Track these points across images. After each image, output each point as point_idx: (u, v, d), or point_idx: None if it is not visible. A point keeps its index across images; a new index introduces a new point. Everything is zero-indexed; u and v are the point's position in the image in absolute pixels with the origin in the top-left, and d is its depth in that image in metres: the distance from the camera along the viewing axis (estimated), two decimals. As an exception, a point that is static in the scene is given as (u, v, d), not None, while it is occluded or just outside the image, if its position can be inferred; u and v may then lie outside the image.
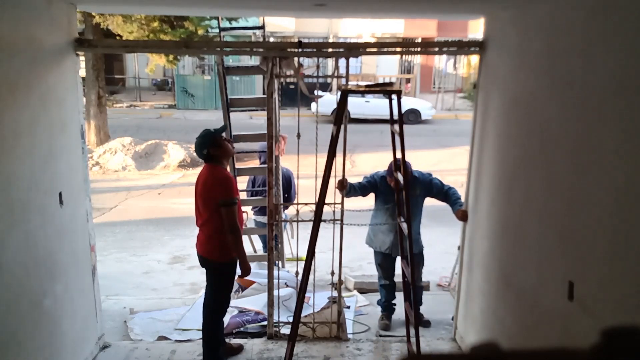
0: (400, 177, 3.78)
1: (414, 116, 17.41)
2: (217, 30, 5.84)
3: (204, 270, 6.27)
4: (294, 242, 5.82)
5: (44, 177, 3.36)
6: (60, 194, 3.54)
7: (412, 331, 3.88)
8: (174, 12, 7.97)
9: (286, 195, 5.65)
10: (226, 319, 4.75)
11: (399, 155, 3.69)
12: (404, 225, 3.83)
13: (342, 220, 4.27)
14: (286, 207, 5.59)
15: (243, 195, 5.76)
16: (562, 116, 2.80)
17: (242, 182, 5.81)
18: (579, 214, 2.60)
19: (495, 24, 3.90)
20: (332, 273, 4.48)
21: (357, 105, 16.02)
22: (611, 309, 2.33)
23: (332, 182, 3.70)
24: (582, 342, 0.44)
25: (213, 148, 3.74)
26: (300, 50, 4.09)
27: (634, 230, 2.17)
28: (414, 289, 3.83)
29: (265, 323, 4.59)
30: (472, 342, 4.15)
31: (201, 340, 4.51)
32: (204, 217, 3.76)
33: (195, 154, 9.40)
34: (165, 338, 4.58)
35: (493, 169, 3.85)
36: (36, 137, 3.25)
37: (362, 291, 5.64)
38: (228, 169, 3.94)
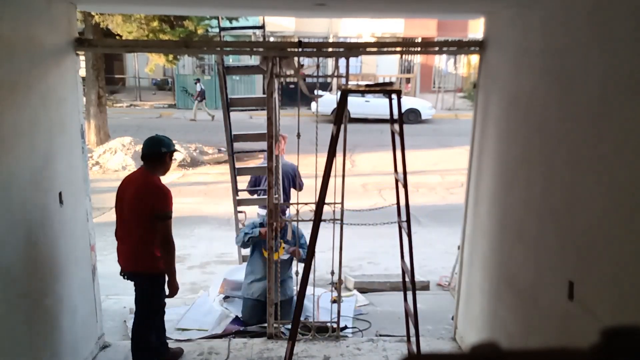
0: (400, 176, 3.78)
1: (414, 116, 17.41)
2: (217, 30, 5.84)
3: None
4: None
5: (44, 177, 3.36)
6: (60, 194, 3.54)
7: (412, 331, 3.88)
8: (173, 11, 7.97)
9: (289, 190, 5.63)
10: (223, 325, 4.75)
11: (399, 155, 3.69)
12: (404, 225, 3.83)
13: (342, 220, 4.27)
14: (287, 207, 5.57)
15: (244, 195, 5.76)
16: (561, 116, 2.80)
17: (243, 182, 5.81)
18: (579, 214, 2.60)
19: (495, 23, 3.90)
20: (332, 273, 4.48)
21: (357, 105, 16.01)
22: (611, 309, 2.33)
23: (332, 182, 3.70)
24: (582, 342, 0.44)
25: (170, 156, 3.69)
26: (300, 50, 4.09)
27: (634, 230, 2.17)
28: (414, 288, 3.82)
29: (265, 324, 4.59)
30: (472, 341, 4.14)
31: (201, 340, 4.51)
32: (131, 226, 3.55)
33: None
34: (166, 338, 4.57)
35: (493, 168, 3.85)
36: (36, 137, 3.25)
37: (362, 291, 5.64)
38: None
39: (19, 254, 3.04)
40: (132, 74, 23.76)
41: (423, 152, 12.61)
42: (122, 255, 3.69)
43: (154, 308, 3.82)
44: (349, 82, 4.22)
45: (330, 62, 5.22)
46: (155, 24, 10.04)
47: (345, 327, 4.72)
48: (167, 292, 3.77)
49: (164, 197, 3.51)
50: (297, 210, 4.41)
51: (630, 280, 2.20)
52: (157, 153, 3.61)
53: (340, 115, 3.42)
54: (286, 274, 4.85)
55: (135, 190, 3.52)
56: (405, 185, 3.65)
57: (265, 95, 4.48)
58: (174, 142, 3.85)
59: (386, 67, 23.31)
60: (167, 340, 4.51)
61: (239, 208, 5.63)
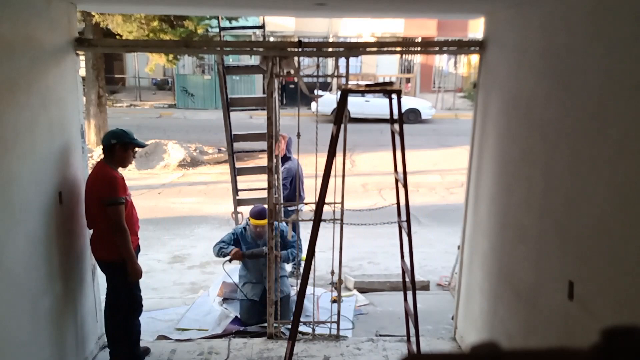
0: (400, 175, 3.78)
1: (414, 116, 17.41)
2: (217, 30, 5.84)
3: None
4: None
5: (44, 177, 3.36)
6: (60, 194, 3.55)
7: (412, 331, 3.88)
8: (173, 11, 7.96)
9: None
10: (223, 325, 4.75)
11: (399, 154, 3.69)
12: (404, 225, 3.83)
13: (342, 219, 4.28)
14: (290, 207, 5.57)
15: (244, 195, 5.76)
16: (562, 115, 2.80)
17: (243, 182, 5.81)
18: (579, 214, 2.60)
19: (495, 23, 3.90)
20: (332, 272, 4.48)
21: (357, 105, 16.01)
22: (611, 309, 2.33)
23: (332, 182, 3.70)
24: (582, 342, 0.44)
25: (122, 147, 3.74)
26: (300, 49, 4.09)
27: (634, 230, 2.17)
28: (414, 288, 3.82)
29: (265, 323, 4.59)
30: (472, 341, 4.14)
31: (201, 340, 4.51)
32: (89, 215, 3.73)
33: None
34: (165, 337, 4.58)
35: (493, 168, 3.85)
36: (36, 137, 3.25)
37: (362, 290, 5.64)
38: (120, 171, 3.81)
39: (19, 253, 3.04)
40: (132, 74, 23.75)
41: (423, 152, 12.61)
42: (91, 244, 3.85)
43: (123, 301, 3.85)
44: (349, 82, 4.22)
45: (330, 62, 5.22)
46: (155, 23, 10.03)
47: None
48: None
49: (108, 183, 3.61)
50: (297, 210, 4.42)
51: (630, 280, 2.20)
52: (106, 145, 3.75)
53: (340, 115, 3.43)
54: (278, 273, 4.85)
55: (88, 181, 3.76)
56: (405, 185, 3.65)
57: (265, 95, 4.48)
58: (134, 135, 3.90)
59: (386, 67, 23.31)
60: (166, 341, 4.51)
61: (238, 209, 5.64)
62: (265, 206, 4.60)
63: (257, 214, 4.78)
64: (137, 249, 3.94)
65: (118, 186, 3.64)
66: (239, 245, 4.89)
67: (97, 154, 11.66)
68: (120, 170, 3.83)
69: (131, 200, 3.85)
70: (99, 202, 3.61)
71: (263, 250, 4.68)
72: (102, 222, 3.65)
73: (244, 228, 4.98)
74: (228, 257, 4.82)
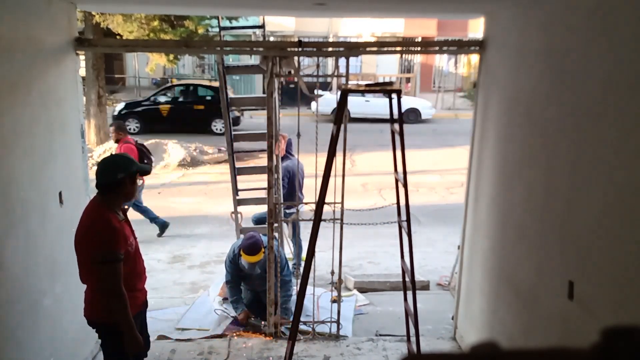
0: (400, 175, 3.78)
1: (414, 115, 17.40)
2: (217, 30, 5.84)
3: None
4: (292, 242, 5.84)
5: (44, 177, 3.36)
6: (60, 194, 3.55)
7: (412, 330, 3.88)
8: (174, 11, 7.96)
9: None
10: (223, 326, 4.75)
11: (399, 154, 3.69)
12: (404, 225, 3.83)
13: (342, 219, 4.27)
14: (289, 207, 5.57)
15: (244, 195, 5.76)
16: (562, 115, 2.80)
17: (243, 182, 5.81)
18: (579, 214, 2.60)
19: (495, 23, 3.90)
20: (332, 272, 4.48)
21: (357, 105, 16.01)
22: (611, 309, 2.33)
23: (332, 182, 3.70)
24: (582, 342, 0.44)
25: (131, 179, 2.88)
26: (300, 49, 4.09)
27: (634, 230, 2.17)
28: (414, 288, 3.82)
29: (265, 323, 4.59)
30: (472, 341, 4.14)
31: (201, 340, 4.51)
32: (80, 268, 2.90)
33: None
34: (165, 337, 4.57)
35: (493, 168, 3.85)
36: (36, 137, 3.25)
37: (362, 290, 5.64)
38: (120, 216, 2.94)
39: (19, 253, 3.04)
40: (132, 74, 23.74)
41: (423, 152, 12.60)
42: (84, 301, 3.01)
43: None
44: (349, 82, 4.22)
45: (330, 61, 5.22)
46: (155, 23, 10.04)
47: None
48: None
49: (105, 236, 2.74)
50: (297, 210, 4.41)
51: (630, 280, 2.20)
52: (113, 182, 2.82)
53: (340, 115, 3.42)
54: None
55: (80, 226, 2.88)
56: (405, 185, 3.65)
57: (265, 95, 4.48)
58: (133, 158, 3.20)
59: (386, 66, 23.30)
60: (166, 340, 4.51)
61: (238, 208, 5.63)
62: (257, 236, 4.49)
63: (249, 249, 4.43)
64: (144, 305, 3.17)
65: (118, 238, 2.78)
66: (240, 272, 4.72)
67: (97, 153, 11.67)
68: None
69: (136, 246, 3.04)
70: (87, 257, 2.81)
71: (262, 324, 4.64)
72: (92, 278, 2.86)
73: (238, 255, 4.65)
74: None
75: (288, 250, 6.01)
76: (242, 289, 4.88)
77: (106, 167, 2.88)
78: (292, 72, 4.40)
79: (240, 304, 4.77)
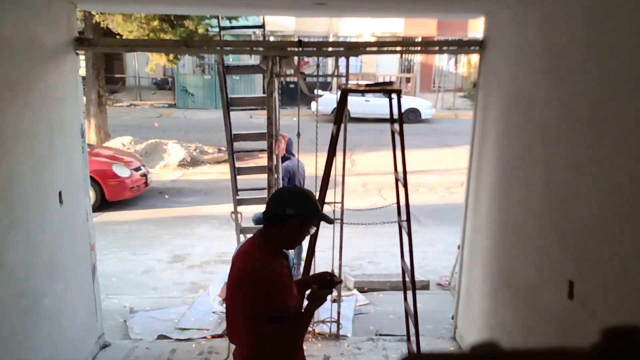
0: (400, 175, 3.78)
1: (414, 115, 17.40)
2: (217, 29, 5.83)
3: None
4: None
5: (44, 177, 3.36)
6: (60, 193, 3.54)
7: (412, 330, 3.88)
8: (174, 11, 7.96)
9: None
10: (223, 326, 4.75)
11: (399, 154, 3.69)
12: (404, 225, 3.83)
13: (342, 219, 4.27)
14: None
15: (244, 195, 5.76)
16: (561, 115, 2.80)
17: (243, 182, 5.80)
18: (579, 213, 2.60)
19: (495, 23, 3.90)
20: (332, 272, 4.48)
21: (357, 105, 16.00)
22: (611, 309, 2.33)
23: (333, 182, 3.70)
24: (582, 342, 0.44)
25: (300, 222, 2.21)
26: (300, 49, 4.09)
27: (634, 229, 2.17)
28: (414, 288, 3.83)
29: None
30: (472, 341, 4.14)
31: (201, 340, 4.51)
32: (235, 326, 2.23)
33: (192, 154, 9.17)
34: (165, 337, 4.58)
35: (493, 167, 3.85)
36: (36, 137, 3.25)
37: (362, 290, 5.64)
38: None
39: (19, 253, 3.04)
40: (132, 74, 23.75)
41: (423, 152, 12.60)
42: None
43: None
44: (349, 82, 4.22)
45: (330, 61, 5.22)
46: (155, 23, 10.03)
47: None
48: None
49: (274, 286, 2.08)
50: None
51: (630, 280, 2.20)
52: (278, 214, 2.22)
53: (340, 114, 3.43)
54: None
55: (238, 272, 2.18)
56: (405, 185, 3.65)
57: (265, 95, 4.48)
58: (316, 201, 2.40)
59: (386, 66, 23.30)
60: (166, 340, 4.51)
61: (238, 208, 5.62)
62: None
63: None
64: None
65: (288, 289, 2.14)
66: None
67: (97, 153, 11.68)
68: None
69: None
70: (253, 313, 2.07)
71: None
72: (251, 339, 2.13)
73: None
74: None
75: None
76: None
77: (278, 196, 2.35)
78: (302, 72, 4.38)
79: None
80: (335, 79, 4.28)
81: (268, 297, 2.04)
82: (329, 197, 3.66)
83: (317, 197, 3.56)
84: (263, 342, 2.06)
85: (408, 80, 23.00)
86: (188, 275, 6.19)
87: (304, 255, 5.09)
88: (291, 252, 5.32)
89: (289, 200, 2.22)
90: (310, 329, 4.57)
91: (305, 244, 4.88)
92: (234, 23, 10.80)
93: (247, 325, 2.11)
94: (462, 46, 4.84)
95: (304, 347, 2.51)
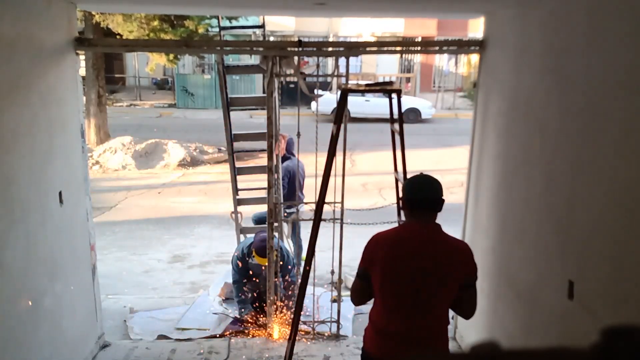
0: (400, 175, 3.78)
1: (414, 115, 17.40)
2: (217, 29, 5.84)
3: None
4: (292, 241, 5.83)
5: (44, 177, 3.36)
6: (60, 193, 3.54)
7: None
8: (174, 11, 7.96)
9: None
10: (223, 326, 4.75)
11: (399, 154, 3.69)
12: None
13: (342, 219, 4.28)
14: (289, 207, 5.56)
15: (244, 194, 5.76)
16: (562, 115, 2.80)
17: (243, 182, 5.81)
18: (579, 213, 2.60)
19: (495, 23, 3.90)
20: (332, 272, 4.48)
21: (357, 104, 16.00)
22: (611, 309, 2.33)
23: (333, 182, 3.70)
24: (582, 342, 0.44)
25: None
26: (300, 49, 4.09)
27: (634, 229, 2.17)
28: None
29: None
30: (472, 341, 4.14)
31: (201, 340, 4.51)
32: (438, 304, 2.45)
33: (193, 154, 9.20)
34: (165, 337, 4.58)
35: (493, 168, 3.85)
36: (36, 137, 3.25)
37: (362, 290, 5.63)
38: None
39: (19, 253, 3.04)
40: (132, 74, 23.74)
41: (423, 152, 12.60)
42: (419, 344, 2.44)
43: None
44: (349, 82, 4.22)
45: (330, 61, 5.22)
46: (155, 23, 10.03)
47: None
48: None
49: (474, 260, 2.48)
50: (297, 210, 4.41)
51: (630, 280, 2.20)
52: (441, 199, 2.48)
53: (340, 114, 3.43)
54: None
55: (445, 251, 2.45)
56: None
57: (265, 95, 4.48)
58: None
59: (386, 66, 23.30)
60: (166, 340, 4.51)
61: (238, 208, 5.63)
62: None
63: (263, 251, 4.48)
64: None
65: None
66: (247, 274, 4.79)
67: (97, 153, 11.67)
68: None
69: None
70: (460, 281, 2.41)
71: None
72: (452, 306, 2.49)
73: (248, 253, 4.75)
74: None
75: (288, 249, 6.01)
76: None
77: (433, 182, 2.46)
78: (302, 72, 4.38)
79: (247, 305, 4.77)
80: (335, 79, 4.28)
81: (475, 263, 2.44)
82: (328, 197, 3.66)
83: (317, 197, 3.57)
84: (463, 303, 2.45)
85: (408, 80, 23.00)
86: (188, 275, 6.19)
87: (304, 255, 5.10)
88: (291, 253, 5.34)
89: (439, 186, 2.46)
90: (310, 329, 4.57)
91: (305, 244, 4.89)
92: (234, 23, 10.81)
93: (454, 292, 2.40)
94: (462, 46, 4.84)
95: None
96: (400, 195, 2.55)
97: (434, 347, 2.50)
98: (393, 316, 2.46)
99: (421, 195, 2.44)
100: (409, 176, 3.63)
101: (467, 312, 2.51)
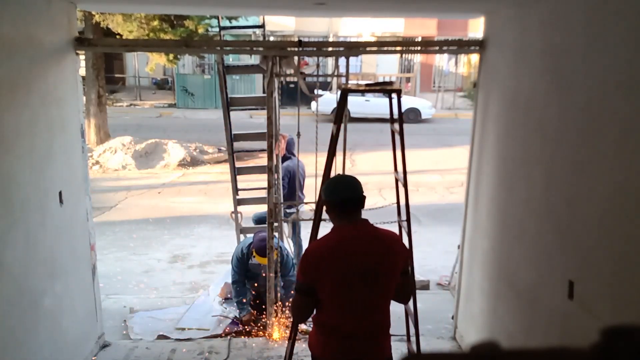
0: (400, 175, 3.78)
1: (414, 115, 17.40)
2: (217, 29, 5.84)
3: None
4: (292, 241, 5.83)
5: (44, 176, 3.36)
6: (60, 193, 3.54)
7: (412, 330, 3.88)
8: (174, 11, 7.96)
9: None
10: (223, 326, 4.75)
11: (399, 154, 3.68)
12: (404, 224, 3.83)
13: (342, 219, 4.27)
14: (289, 207, 5.57)
15: (244, 194, 5.76)
16: (562, 115, 2.80)
17: (243, 182, 5.81)
18: (579, 213, 2.60)
19: (495, 23, 3.90)
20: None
21: (357, 104, 16.00)
22: (611, 309, 2.33)
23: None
24: (582, 342, 0.44)
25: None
26: (300, 49, 4.09)
27: (634, 229, 2.17)
28: (414, 288, 3.82)
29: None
30: (472, 341, 4.14)
31: (201, 340, 4.51)
32: (385, 297, 2.51)
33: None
34: (165, 337, 4.58)
35: (493, 167, 3.85)
36: (36, 137, 3.25)
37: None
38: None
39: (19, 253, 3.04)
40: (132, 74, 23.74)
41: (423, 152, 12.60)
42: (376, 343, 2.51)
43: None
44: (349, 82, 4.22)
45: (330, 61, 5.22)
46: (155, 23, 10.03)
47: None
48: None
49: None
50: (297, 210, 4.41)
51: (630, 280, 2.20)
52: (363, 197, 2.58)
53: (340, 114, 3.42)
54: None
55: (383, 244, 2.49)
56: (405, 185, 3.65)
57: (265, 95, 4.48)
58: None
59: (386, 66, 23.29)
60: (166, 340, 4.51)
61: (238, 208, 5.63)
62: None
63: (263, 251, 4.48)
64: None
65: None
66: (247, 274, 4.81)
67: (97, 153, 11.67)
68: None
69: None
70: (402, 269, 2.51)
71: None
72: (392, 294, 2.55)
73: (248, 253, 4.75)
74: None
75: (288, 249, 6.01)
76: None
77: (355, 183, 2.54)
78: (302, 71, 4.38)
79: (246, 305, 4.77)
80: (335, 78, 4.28)
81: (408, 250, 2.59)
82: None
83: (318, 197, 3.56)
84: (404, 289, 2.56)
85: (408, 80, 23.00)
86: (188, 275, 6.19)
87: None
88: (291, 252, 5.34)
89: (360, 184, 2.54)
90: (310, 328, 4.56)
91: (305, 244, 4.89)
92: (234, 23, 10.81)
93: (398, 282, 2.46)
94: (462, 46, 4.84)
95: None
96: (323, 198, 2.54)
97: (382, 342, 2.54)
98: (347, 317, 2.44)
99: (347, 195, 2.47)
100: (408, 176, 3.64)
101: (406, 297, 2.65)
